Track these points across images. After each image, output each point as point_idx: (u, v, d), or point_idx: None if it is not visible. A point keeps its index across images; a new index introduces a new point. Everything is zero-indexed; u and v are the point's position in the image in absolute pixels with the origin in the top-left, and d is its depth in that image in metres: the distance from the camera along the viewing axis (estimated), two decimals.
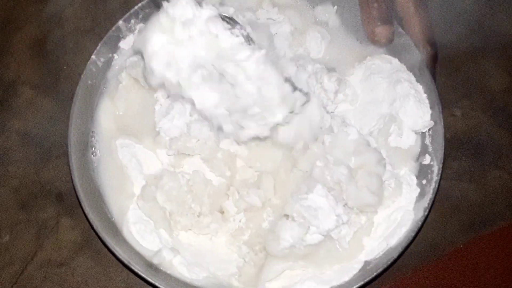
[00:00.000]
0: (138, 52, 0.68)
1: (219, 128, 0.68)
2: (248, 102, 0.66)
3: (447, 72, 0.79)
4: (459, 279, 0.76)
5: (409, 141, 0.73)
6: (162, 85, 0.67)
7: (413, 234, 0.68)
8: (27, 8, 0.88)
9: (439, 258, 0.76)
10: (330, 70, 0.75)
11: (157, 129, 0.74)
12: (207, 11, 0.65)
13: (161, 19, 0.65)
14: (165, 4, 0.65)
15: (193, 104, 0.67)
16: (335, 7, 0.80)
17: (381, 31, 0.74)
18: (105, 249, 0.73)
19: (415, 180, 0.72)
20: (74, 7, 0.88)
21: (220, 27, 0.65)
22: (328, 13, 0.80)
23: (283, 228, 0.67)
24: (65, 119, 0.74)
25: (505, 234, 0.77)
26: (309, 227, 0.67)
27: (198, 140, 0.72)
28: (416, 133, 0.73)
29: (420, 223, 0.68)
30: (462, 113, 0.83)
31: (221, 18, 0.67)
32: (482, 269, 0.76)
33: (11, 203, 0.78)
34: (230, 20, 0.68)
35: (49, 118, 0.82)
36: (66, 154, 0.72)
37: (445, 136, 0.77)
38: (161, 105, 0.75)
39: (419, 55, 0.74)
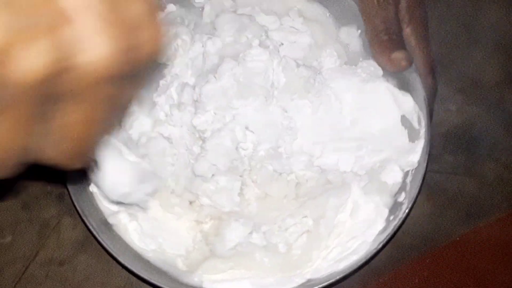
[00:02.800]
0: None
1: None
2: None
3: (441, 67, 0.79)
4: (456, 271, 0.76)
5: (391, 176, 0.71)
6: None
7: (360, 264, 0.67)
8: None
9: (436, 251, 0.77)
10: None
11: (154, 100, 0.74)
12: None
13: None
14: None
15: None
16: (359, 31, 0.78)
17: (398, 55, 0.72)
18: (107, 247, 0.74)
19: (386, 214, 0.70)
20: None
21: None
22: (351, 36, 0.78)
23: (227, 229, 0.68)
24: None
25: (501, 225, 0.78)
26: (253, 227, 0.68)
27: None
28: (400, 169, 0.72)
29: (371, 254, 0.67)
30: (457, 108, 0.84)
31: None
32: (479, 261, 0.77)
33: (13, 203, 0.79)
34: None
35: None
36: None
37: (440, 131, 0.77)
38: (166, 81, 0.75)
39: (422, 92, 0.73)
